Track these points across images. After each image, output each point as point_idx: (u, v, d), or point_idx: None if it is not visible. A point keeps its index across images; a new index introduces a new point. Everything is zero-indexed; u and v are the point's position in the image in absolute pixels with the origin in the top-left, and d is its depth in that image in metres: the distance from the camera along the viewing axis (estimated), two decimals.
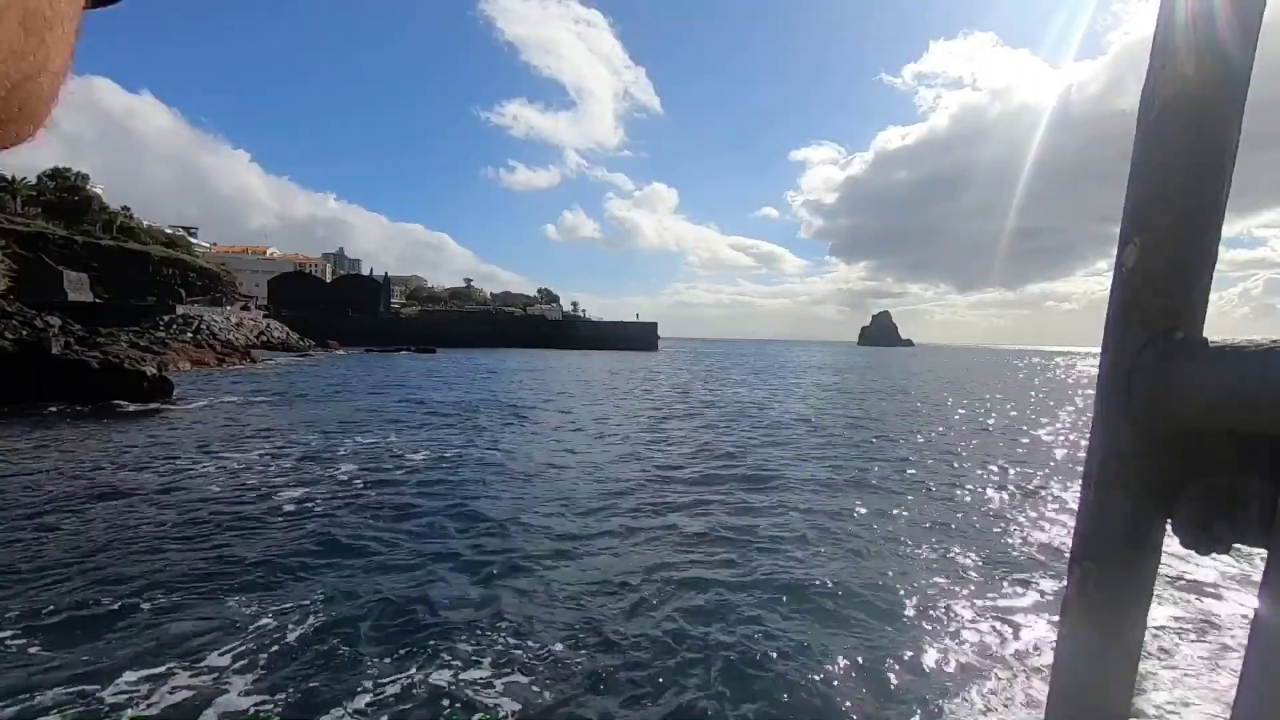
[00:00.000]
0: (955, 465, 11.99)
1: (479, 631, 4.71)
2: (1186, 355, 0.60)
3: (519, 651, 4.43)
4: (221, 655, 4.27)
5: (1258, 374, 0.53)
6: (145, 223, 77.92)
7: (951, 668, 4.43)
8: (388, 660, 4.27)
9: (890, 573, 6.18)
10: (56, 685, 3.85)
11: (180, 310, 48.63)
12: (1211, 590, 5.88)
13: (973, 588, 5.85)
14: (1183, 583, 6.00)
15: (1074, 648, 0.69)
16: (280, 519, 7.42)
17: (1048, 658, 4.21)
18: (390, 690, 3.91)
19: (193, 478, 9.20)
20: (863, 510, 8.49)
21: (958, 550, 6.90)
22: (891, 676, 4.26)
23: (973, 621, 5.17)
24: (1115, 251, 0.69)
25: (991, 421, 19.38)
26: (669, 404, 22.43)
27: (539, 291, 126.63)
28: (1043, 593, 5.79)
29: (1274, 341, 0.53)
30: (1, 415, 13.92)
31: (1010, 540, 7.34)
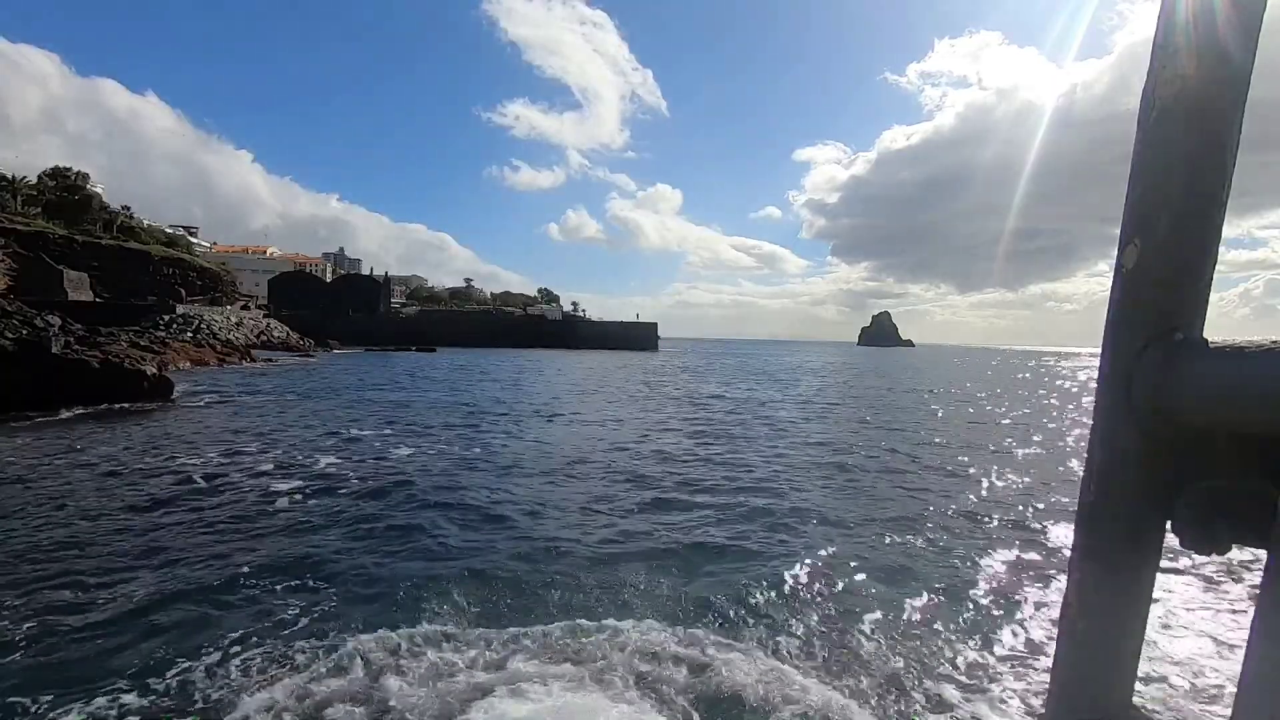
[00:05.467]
0: (953, 463, 11.98)
1: (466, 613, 4.72)
2: (1186, 356, 0.60)
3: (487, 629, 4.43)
4: (216, 652, 4.27)
5: (1258, 374, 0.53)
6: (145, 222, 77.90)
7: (949, 667, 4.42)
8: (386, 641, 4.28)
9: (885, 569, 6.18)
10: (60, 671, 3.86)
11: (180, 310, 48.60)
12: (1211, 590, 5.87)
13: (970, 587, 5.85)
14: (1182, 583, 5.99)
15: (1074, 647, 0.69)
16: (279, 515, 7.42)
17: (1047, 658, 4.20)
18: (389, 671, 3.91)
19: (193, 476, 9.19)
20: (856, 502, 8.49)
21: (955, 549, 6.90)
22: (886, 675, 4.26)
23: (971, 621, 5.16)
24: (1116, 252, 0.69)
25: (990, 420, 19.38)
26: (668, 398, 22.42)
27: (539, 291, 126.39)
28: (1042, 592, 5.78)
29: (1274, 342, 0.52)
30: (1, 414, 13.91)
31: (1009, 539, 7.33)
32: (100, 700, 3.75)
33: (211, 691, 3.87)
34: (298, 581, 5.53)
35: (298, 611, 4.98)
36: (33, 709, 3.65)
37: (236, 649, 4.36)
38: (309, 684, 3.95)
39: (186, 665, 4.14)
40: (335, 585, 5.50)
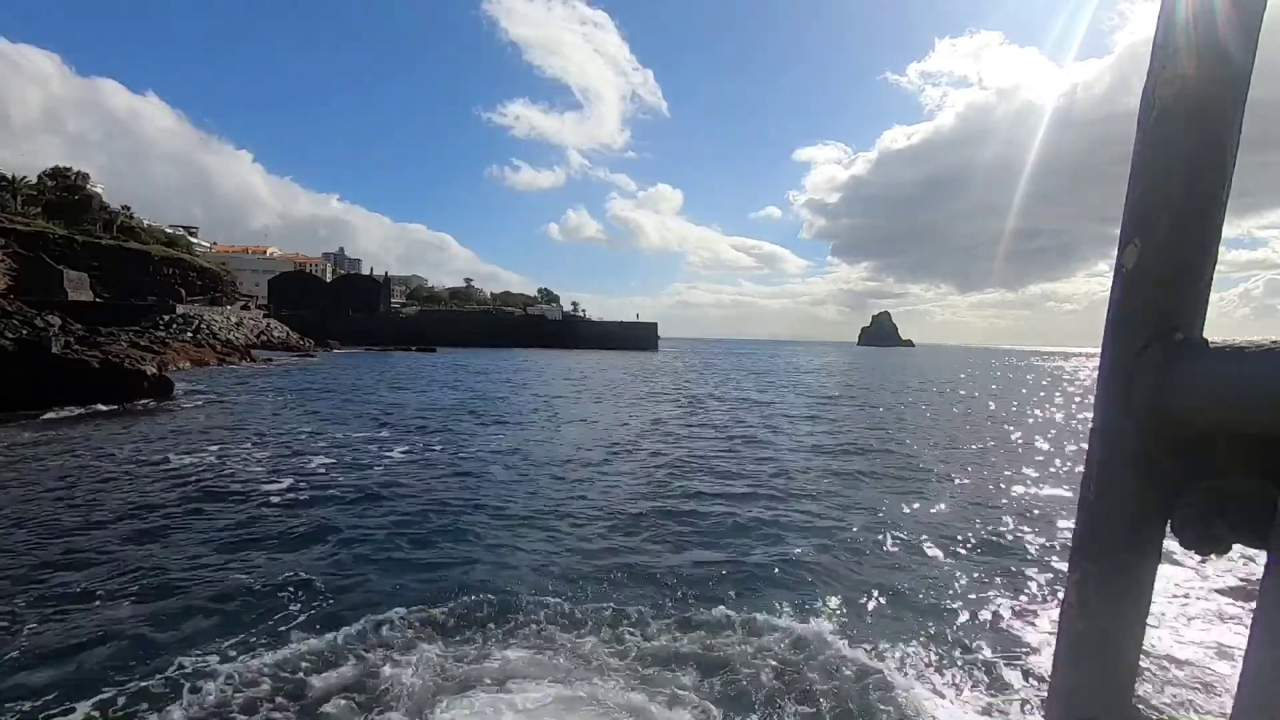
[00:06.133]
0: (954, 464, 11.98)
1: (458, 610, 4.72)
2: (1186, 356, 0.60)
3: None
4: (213, 650, 4.28)
5: (1258, 374, 0.53)
6: (145, 222, 77.92)
7: (948, 668, 4.42)
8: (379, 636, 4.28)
9: (885, 571, 6.18)
10: (59, 671, 3.87)
11: (180, 310, 48.61)
12: (1211, 590, 5.87)
13: (970, 588, 5.85)
14: (1182, 583, 5.99)
15: (1073, 648, 0.68)
16: (276, 515, 7.42)
17: (1047, 659, 4.20)
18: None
19: (192, 476, 9.19)
20: (856, 503, 8.49)
21: (955, 549, 6.90)
22: (885, 676, 4.26)
23: (970, 622, 5.16)
24: (1116, 252, 0.69)
25: (991, 421, 19.38)
26: (667, 398, 22.42)
27: (539, 291, 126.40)
28: (1042, 593, 5.78)
29: (1274, 342, 0.52)
30: (1, 414, 13.91)
31: (1009, 540, 7.33)
32: (99, 699, 3.75)
33: (209, 688, 3.87)
34: (293, 579, 5.53)
35: (294, 609, 4.98)
36: (33, 709, 3.65)
37: (233, 647, 4.36)
38: (304, 679, 3.95)
39: (183, 663, 4.14)
40: (331, 583, 5.50)
